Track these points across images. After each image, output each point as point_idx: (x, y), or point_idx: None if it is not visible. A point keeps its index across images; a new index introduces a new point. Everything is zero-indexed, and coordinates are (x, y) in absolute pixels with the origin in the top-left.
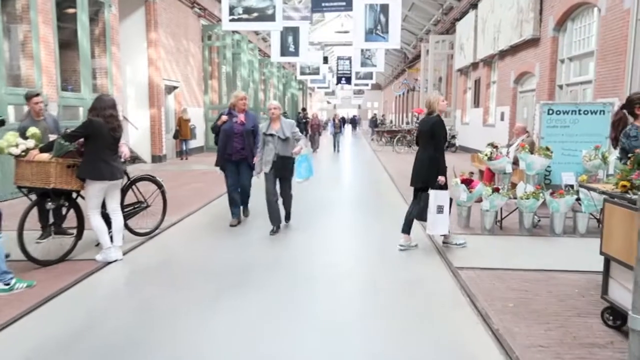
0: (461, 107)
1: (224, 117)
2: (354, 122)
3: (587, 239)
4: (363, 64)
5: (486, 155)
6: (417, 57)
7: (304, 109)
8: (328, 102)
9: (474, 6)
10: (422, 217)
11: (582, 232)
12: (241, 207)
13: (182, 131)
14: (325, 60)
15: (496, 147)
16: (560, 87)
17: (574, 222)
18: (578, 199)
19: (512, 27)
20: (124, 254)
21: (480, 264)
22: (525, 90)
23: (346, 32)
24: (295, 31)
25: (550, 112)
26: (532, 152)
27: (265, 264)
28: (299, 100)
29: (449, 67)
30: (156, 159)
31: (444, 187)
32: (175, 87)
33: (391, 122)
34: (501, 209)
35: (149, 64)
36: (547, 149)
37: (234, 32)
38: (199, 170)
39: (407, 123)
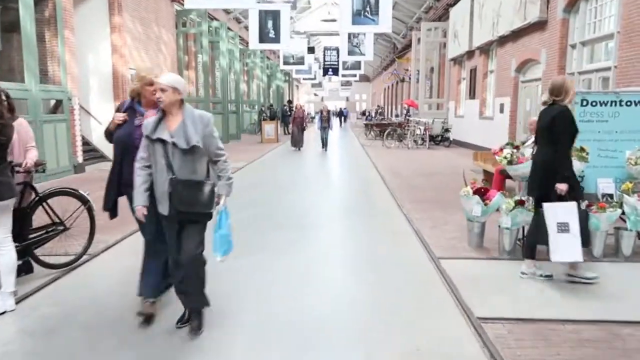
0: (455, 99)
1: (120, 117)
2: (342, 115)
3: (635, 265)
4: (351, 52)
5: (505, 158)
6: (407, 47)
7: (289, 101)
8: (315, 95)
9: None
10: (541, 238)
11: (627, 254)
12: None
13: None
14: (312, 50)
15: (517, 147)
16: (571, 75)
17: (615, 241)
18: (623, 214)
19: (514, 10)
20: (20, 300)
21: (511, 312)
22: (529, 79)
23: (333, 20)
24: (275, 15)
25: (585, 103)
26: None
27: (217, 312)
28: (285, 92)
29: (441, 57)
30: None
31: (569, 197)
32: None
33: (380, 114)
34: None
35: (112, 51)
36: (582, 149)
37: (211, 18)
38: None
39: (397, 116)
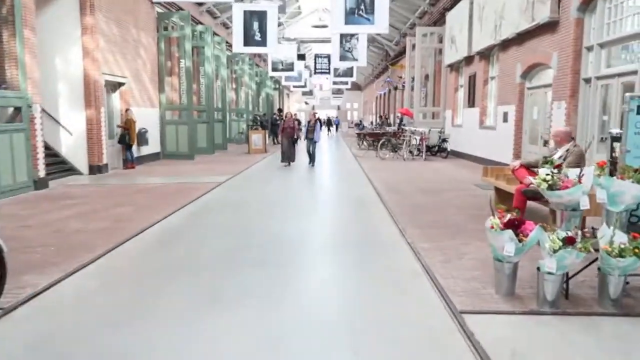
0: (452, 107)
1: None
2: (330, 124)
3: None
4: (342, 58)
5: (544, 181)
6: (400, 55)
7: (280, 110)
8: (306, 103)
9: None
10: None
11: None
12: None
13: (132, 135)
14: (302, 57)
15: (558, 165)
16: (587, 80)
17: None
18: None
19: (520, 11)
20: None
21: None
22: (536, 85)
23: (324, 26)
24: (261, 16)
25: None
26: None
27: None
28: (275, 100)
29: (436, 63)
30: (95, 169)
31: None
32: (121, 84)
33: (372, 123)
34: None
35: (84, 55)
36: None
37: (195, 22)
38: (140, 186)
39: (389, 125)
